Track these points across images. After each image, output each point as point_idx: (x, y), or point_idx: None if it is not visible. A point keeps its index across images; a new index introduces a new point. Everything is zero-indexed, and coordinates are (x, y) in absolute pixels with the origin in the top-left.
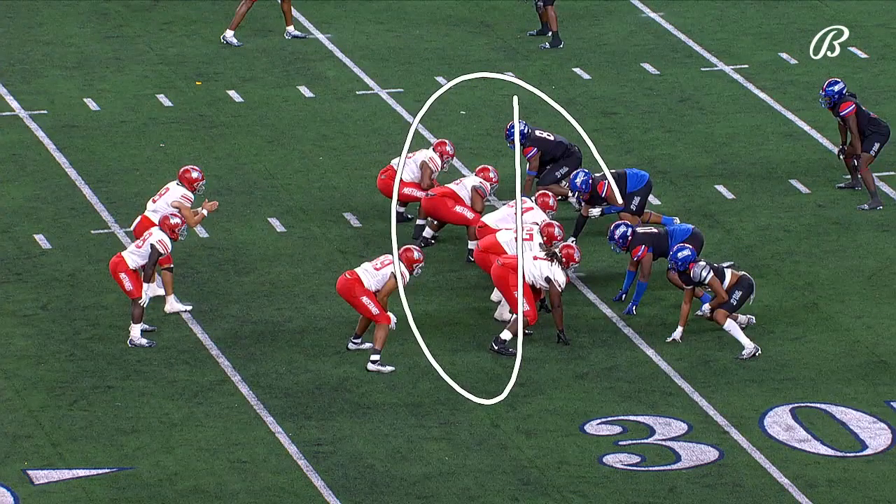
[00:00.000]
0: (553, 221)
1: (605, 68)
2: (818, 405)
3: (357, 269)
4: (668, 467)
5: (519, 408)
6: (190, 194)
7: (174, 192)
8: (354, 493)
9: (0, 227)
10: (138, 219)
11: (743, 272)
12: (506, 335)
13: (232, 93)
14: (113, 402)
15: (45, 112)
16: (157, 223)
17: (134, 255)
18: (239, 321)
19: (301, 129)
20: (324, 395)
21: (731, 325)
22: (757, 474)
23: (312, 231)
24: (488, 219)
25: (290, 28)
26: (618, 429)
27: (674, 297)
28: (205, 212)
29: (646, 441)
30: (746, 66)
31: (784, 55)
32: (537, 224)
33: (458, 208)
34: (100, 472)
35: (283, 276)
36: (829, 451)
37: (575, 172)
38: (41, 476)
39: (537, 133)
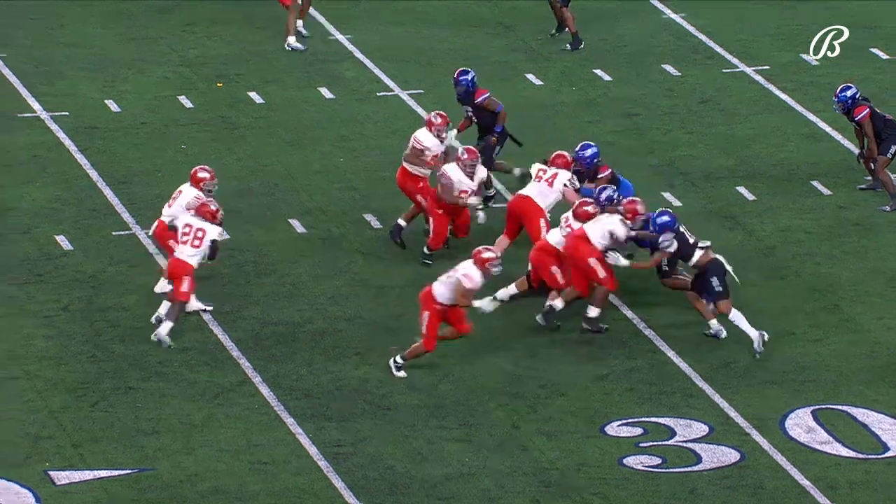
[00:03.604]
0: (636, 198)
1: (625, 70)
2: (839, 407)
3: (434, 284)
4: (689, 469)
5: (539, 409)
6: (201, 195)
7: (186, 195)
8: (374, 495)
9: (21, 229)
10: (156, 223)
11: (716, 255)
12: (592, 312)
13: (253, 94)
14: (134, 404)
15: (67, 114)
16: (172, 227)
17: (195, 257)
18: (259, 322)
19: (321, 130)
20: (344, 397)
21: (736, 316)
22: (778, 476)
23: (332, 232)
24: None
25: (299, 23)
26: (638, 430)
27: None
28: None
29: (666, 443)
30: (767, 67)
31: (805, 56)
32: (566, 185)
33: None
34: (121, 472)
35: (304, 278)
36: (851, 453)
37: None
38: (62, 477)
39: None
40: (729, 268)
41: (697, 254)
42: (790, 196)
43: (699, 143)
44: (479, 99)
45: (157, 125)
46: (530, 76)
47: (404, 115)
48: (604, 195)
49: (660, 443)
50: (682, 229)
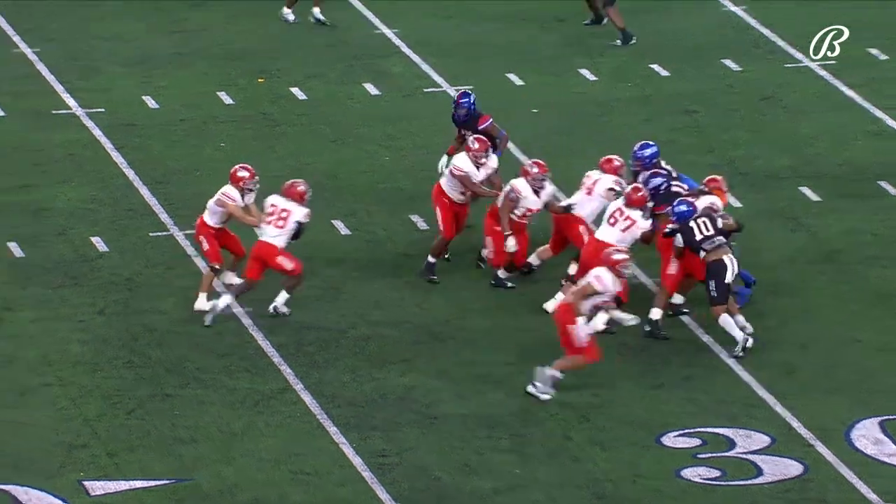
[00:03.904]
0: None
1: (683, 64)
2: None
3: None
4: (750, 482)
5: (592, 419)
6: (234, 192)
7: (221, 190)
8: None
9: (56, 230)
10: (199, 219)
11: (724, 257)
12: (655, 314)
13: (295, 90)
14: (171, 411)
15: (103, 110)
16: (210, 224)
17: (280, 237)
18: (302, 327)
19: (366, 127)
20: (389, 405)
21: (725, 321)
22: (843, 490)
23: (377, 234)
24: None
25: (316, 10)
26: (696, 441)
27: (752, 306)
28: (259, 222)
29: (726, 454)
30: (833, 61)
31: (873, 50)
32: (612, 189)
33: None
34: (157, 483)
35: (348, 281)
36: None
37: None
38: (97, 487)
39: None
40: (731, 273)
41: (701, 253)
42: (856, 197)
43: (761, 142)
44: (483, 125)
45: (196, 122)
46: (583, 71)
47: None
48: (653, 183)
49: (719, 454)
50: (692, 224)
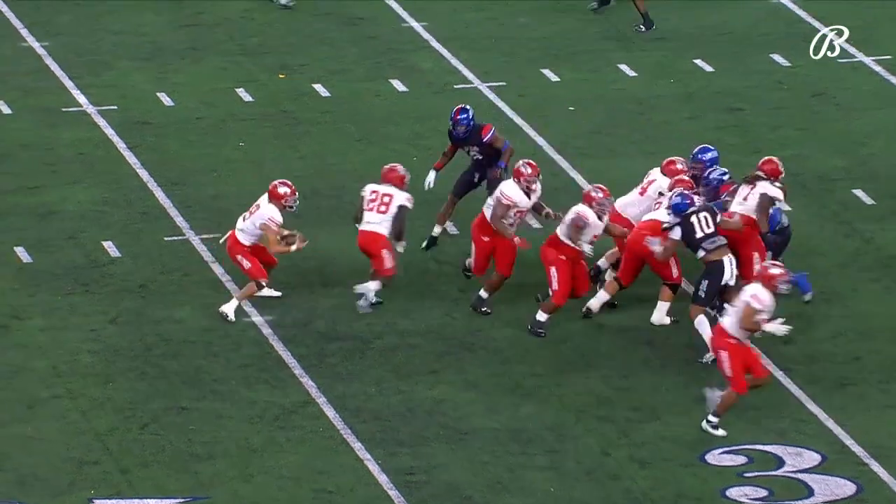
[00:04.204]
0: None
1: (729, 59)
2: None
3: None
4: (800, 502)
5: (632, 434)
6: (278, 216)
7: (263, 212)
8: None
9: (66, 234)
10: (228, 234)
11: (724, 258)
12: (659, 315)
13: (318, 86)
14: (187, 425)
15: (115, 107)
16: (244, 243)
17: (383, 224)
18: (325, 338)
19: (393, 126)
20: (417, 419)
21: (700, 322)
22: None
23: (406, 239)
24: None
25: None
26: (742, 459)
27: (801, 316)
28: (293, 248)
29: (774, 473)
30: (889, 56)
31: None
32: (663, 193)
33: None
34: (172, 501)
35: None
36: None
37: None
38: None
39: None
40: (729, 275)
41: (701, 252)
42: None
43: (811, 142)
44: (487, 137)
45: (214, 120)
46: (623, 66)
47: (485, 109)
48: (714, 174)
49: (766, 473)
50: (693, 219)
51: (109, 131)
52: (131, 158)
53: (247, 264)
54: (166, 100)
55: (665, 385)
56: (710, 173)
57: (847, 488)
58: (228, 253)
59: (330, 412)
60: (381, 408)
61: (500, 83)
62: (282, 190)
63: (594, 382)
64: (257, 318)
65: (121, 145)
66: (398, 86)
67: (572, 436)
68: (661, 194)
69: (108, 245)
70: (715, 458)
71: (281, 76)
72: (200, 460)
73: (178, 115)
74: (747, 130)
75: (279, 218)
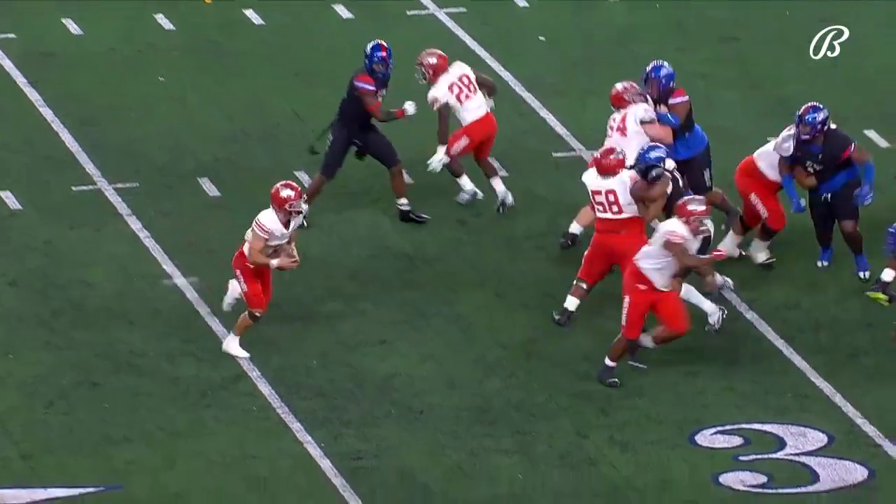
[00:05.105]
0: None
1: None
2: None
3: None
4: (803, 489)
5: (612, 413)
6: (272, 222)
7: (257, 217)
8: None
9: None
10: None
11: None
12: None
13: (249, 13)
14: (99, 404)
15: (13, 36)
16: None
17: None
18: None
19: (337, 59)
20: (365, 396)
21: (688, 292)
22: None
23: (350, 187)
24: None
25: None
26: (738, 440)
27: (808, 277)
28: (274, 263)
29: (774, 456)
30: None
31: None
32: (644, 120)
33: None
34: (83, 491)
35: (315, 247)
36: None
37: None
38: (9, 496)
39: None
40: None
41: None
42: None
43: (817, 77)
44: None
45: (129, 52)
46: None
47: (442, 39)
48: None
49: (765, 456)
50: (678, 174)
51: (7, 64)
52: (33, 95)
53: (243, 287)
54: (73, 27)
55: (650, 358)
56: (664, 84)
57: (857, 473)
58: (232, 266)
59: (265, 388)
60: (325, 383)
61: (460, 9)
62: (285, 193)
63: (570, 355)
64: (180, 281)
65: (20, 80)
66: (342, 12)
67: (544, 415)
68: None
69: (7, 196)
70: (706, 439)
71: (207, 1)
72: (115, 444)
73: (87, 46)
74: (743, 64)
75: (272, 225)
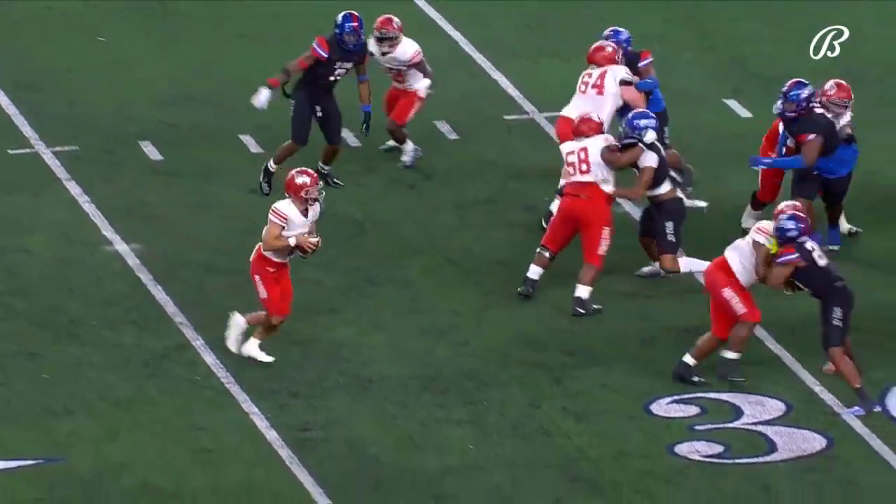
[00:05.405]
0: None
1: None
2: None
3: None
4: (760, 459)
5: (566, 382)
6: (290, 208)
7: (274, 207)
8: (352, 492)
9: None
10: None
11: (676, 195)
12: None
13: None
14: (39, 374)
15: None
16: (270, 258)
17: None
18: (203, 268)
19: (283, 22)
20: (313, 366)
21: (688, 264)
22: (876, 469)
23: (294, 154)
24: None
25: None
26: (694, 409)
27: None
28: (292, 241)
29: (731, 425)
30: None
31: None
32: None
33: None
34: (21, 464)
35: (259, 208)
36: None
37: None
38: None
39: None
40: (700, 205)
41: (666, 186)
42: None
43: (776, 37)
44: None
45: (67, 9)
46: None
47: (392, 1)
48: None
49: (722, 425)
50: (661, 147)
51: None
52: None
53: (263, 292)
54: None
55: (605, 325)
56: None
57: (815, 443)
58: (251, 267)
59: (209, 358)
60: (271, 352)
61: None
62: (300, 180)
63: (523, 322)
64: (122, 247)
65: None
66: None
67: (496, 384)
68: None
69: None
70: (662, 408)
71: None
72: (55, 416)
73: (23, 4)
74: (700, 23)
75: (288, 211)
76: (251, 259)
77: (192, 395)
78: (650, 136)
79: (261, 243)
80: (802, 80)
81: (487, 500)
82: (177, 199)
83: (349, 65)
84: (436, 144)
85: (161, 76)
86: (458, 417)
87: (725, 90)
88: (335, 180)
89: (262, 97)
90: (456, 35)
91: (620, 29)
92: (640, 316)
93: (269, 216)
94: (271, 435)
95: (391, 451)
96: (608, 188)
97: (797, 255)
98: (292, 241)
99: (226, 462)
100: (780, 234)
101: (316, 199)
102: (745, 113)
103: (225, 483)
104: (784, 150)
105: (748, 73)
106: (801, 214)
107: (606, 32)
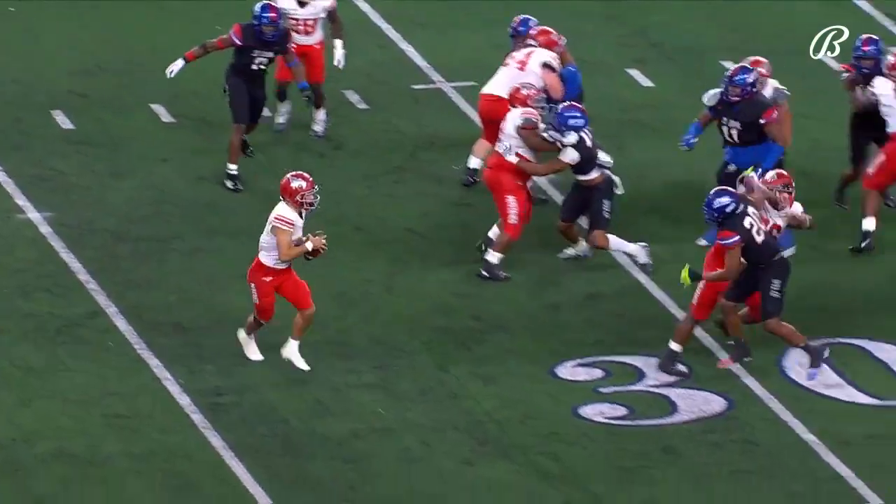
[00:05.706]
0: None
1: None
2: (854, 341)
3: None
4: (663, 421)
5: (473, 347)
6: (291, 213)
7: (273, 212)
8: (264, 456)
9: None
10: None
11: (605, 178)
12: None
13: None
14: None
15: None
16: (267, 265)
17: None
18: (114, 237)
19: None
20: (225, 332)
21: (616, 242)
22: (774, 429)
23: (208, 119)
24: None
25: None
26: (599, 373)
27: (676, 210)
28: (309, 245)
29: (634, 388)
30: None
31: None
32: (549, 67)
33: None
34: None
35: (171, 176)
36: (868, 399)
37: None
38: None
39: None
40: (619, 190)
41: (594, 172)
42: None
43: (680, 7)
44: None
45: None
46: None
47: None
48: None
49: (625, 388)
50: (586, 135)
51: None
52: None
53: (255, 299)
54: None
55: (511, 291)
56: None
57: (716, 404)
58: (249, 276)
59: (122, 324)
60: (183, 319)
61: None
62: (296, 184)
63: (431, 287)
64: (34, 215)
65: None
66: None
67: (405, 350)
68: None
69: None
70: (567, 371)
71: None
72: None
73: None
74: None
75: (291, 216)
76: (250, 268)
77: (105, 361)
78: (571, 139)
79: (260, 254)
80: (747, 66)
81: (398, 462)
82: (87, 168)
83: (270, 54)
84: (345, 114)
85: (72, 45)
86: (368, 382)
87: (627, 61)
88: (249, 150)
89: (176, 68)
90: (365, 7)
91: (528, 17)
92: (547, 282)
93: (275, 224)
94: (184, 400)
95: (302, 416)
96: (511, 158)
97: (738, 236)
98: (309, 246)
99: (140, 427)
100: (720, 214)
101: (311, 205)
102: (648, 83)
103: (139, 448)
104: (696, 134)
105: (651, 44)
106: (731, 189)
107: (516, 21)
